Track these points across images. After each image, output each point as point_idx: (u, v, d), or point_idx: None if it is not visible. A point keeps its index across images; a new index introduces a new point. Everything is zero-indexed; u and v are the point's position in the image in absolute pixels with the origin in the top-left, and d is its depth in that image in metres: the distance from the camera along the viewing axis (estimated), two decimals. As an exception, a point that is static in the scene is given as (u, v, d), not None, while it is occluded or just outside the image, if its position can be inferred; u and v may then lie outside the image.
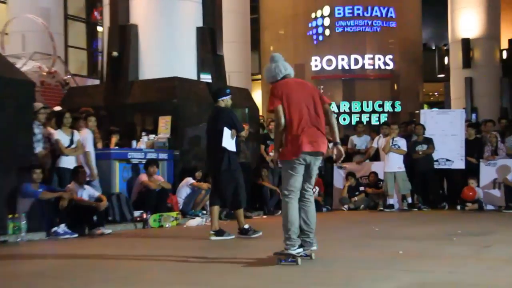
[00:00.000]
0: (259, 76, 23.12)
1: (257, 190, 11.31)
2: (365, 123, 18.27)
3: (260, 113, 17.20)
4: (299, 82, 5.45)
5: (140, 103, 11.20)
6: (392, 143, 11.90)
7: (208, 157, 7.55)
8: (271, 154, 12.20)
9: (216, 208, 7.44)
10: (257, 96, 22.95)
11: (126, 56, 11.38)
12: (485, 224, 8.86)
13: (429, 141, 12.10)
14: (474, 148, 12.28)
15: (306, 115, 5.23)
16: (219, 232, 7.25)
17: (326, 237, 6.61)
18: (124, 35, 11.46)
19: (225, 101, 7.47)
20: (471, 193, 11.44)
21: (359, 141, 13.23)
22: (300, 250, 5.08)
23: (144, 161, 9.93)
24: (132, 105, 11.28)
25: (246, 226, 7.34)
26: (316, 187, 12.31)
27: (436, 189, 12.24)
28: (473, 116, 18.76)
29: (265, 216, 11.09)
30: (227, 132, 7.25)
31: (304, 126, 5.19)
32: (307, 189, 5.29)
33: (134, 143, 10.43)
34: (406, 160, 11.94)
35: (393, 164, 11.85)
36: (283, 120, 5.21)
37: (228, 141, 7.28)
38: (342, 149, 5.51)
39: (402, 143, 11.99)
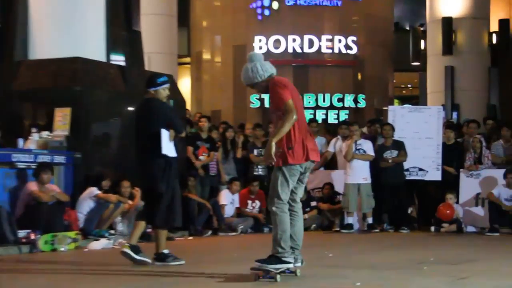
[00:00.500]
0: (187, 59, 23.11)
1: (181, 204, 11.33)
2: (319, 122, 18.57)
3: (188, 106, 17.23)
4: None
5: (29, 90, 11.03)
6: (356, 147, 12.12)
7: (140, 164, 7.50)
8: (202, 158, 12.24)
9: (143, 224, 7.54)
10: (185, 84, 22.95)
11: (11, 30, 11.19)
12: (464, 250, 9.14)
13: (400, 146, 12.39)
14: (454, 155, 12.63)
15: (304, 120, 6.20)
16: (135, 249, 7.30)
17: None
18: (9, 2, 11.26)
19: (159, 92, 7.41)
20: (448, 212, 11.78)
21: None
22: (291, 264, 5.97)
23: (33, 166, 9.78)
24: (19, 92, 11.09)
25: (166, 251, 7.36)
26: (257, 201, 12.43)
27: (406, 207, 12.54)
28: (454, 115, 19.18)
29: (191, 237, 11.10)
30: (165, 134, 7.27)
31: (306, 132, 6.10)
32: (297, 201, 6.12)
33: (20, 141, 10.26)
34: (372, 169, 12.22)
35: (357, 174, 12.06)
36: (296, 116, 5.90)
37: (167, 145, 7.31)
38: (271, 148, 5.86)
39: (367, 146, 12.22)
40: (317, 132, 13.56)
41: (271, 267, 5.92)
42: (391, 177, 12.25)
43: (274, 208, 5.99)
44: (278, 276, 5.91)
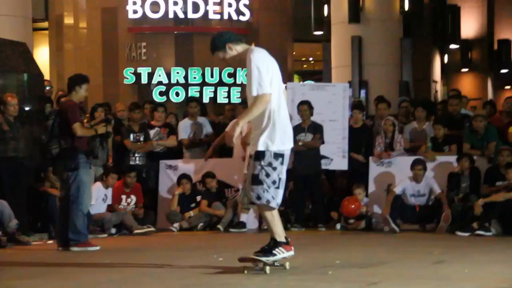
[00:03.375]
0: (45, 24, 22.49)
1: (38, 200, 11.14)
2: (207, 101, 18.58)
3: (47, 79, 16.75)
4: None
5: None
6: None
7: None
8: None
9: None
10: (43, 54, 22.37)
11: None
12: (374, 250, 9.34)
13: (316, 129, 12.48)
14: (362, 140, 12.88)
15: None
16: None
17: (140, 278, 6.58)
18: None
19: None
20: (353, 206, 12.03)
21: (195, 126, 13.49)
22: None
23: None
24: None
25: None
26: (132, 196, 12.31)
27: (322, 201, 12.71)
28: (362, 93, 19.48)
29: (51, 241, 10.88)
30: None
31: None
32: None
33: None
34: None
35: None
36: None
37: None
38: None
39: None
40: (197, 113, 13.56)
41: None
42: (303, 165, 12.34)
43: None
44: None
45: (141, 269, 7.60)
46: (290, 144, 7.04)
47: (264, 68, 6.78)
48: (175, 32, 20.03)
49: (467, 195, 11.75)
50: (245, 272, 6.95)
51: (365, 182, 12.54)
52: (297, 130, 12.41)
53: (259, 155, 6.90)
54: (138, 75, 19.54)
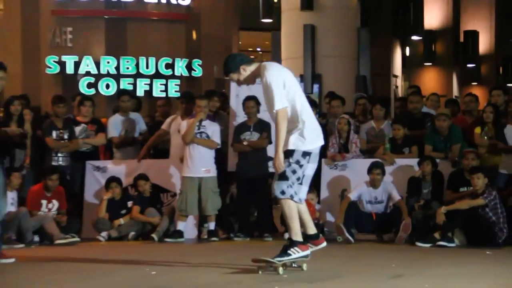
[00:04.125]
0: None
1: None
2: (142, 94, 18.48)
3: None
4: None
5: None
6: (198, 129, 12.14)
7: None
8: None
9: None
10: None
11: None
12: (325, 263, 9.30)
13: (263, 127, 12.44)
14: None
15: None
16: None
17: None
18: None
19: None
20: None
21: (127, 123, 13.41)
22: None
23: None
24: None
25: None
26: (54, 201, 12.22)
27: (269, 208, 12.72)
28: (315, 88, 19.55)
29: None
30: None
31: None
32: None
33: None
34: (220, 158, 12.34)
35: (197, 163, 12.11)
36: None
37: None
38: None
39: (213, 130, 12.28)
40: (129, 108, 13.50)
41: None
42: (247, 167, 12.33)
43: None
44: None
45: (61, 285, 7.51)
46: (320, 142, 8.18)
47: (280, 82, 7.92)
48: (106, 16, 19.94)
49: (429, 202, 11.83)
50: (260, 272, 7.87)
51: (317, 187, 12.56)
52: (242, 128, 12.44)
53: (289, 153, 7.91)
54: (62, 64, 19.40)
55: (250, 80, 8.22)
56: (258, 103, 12.35)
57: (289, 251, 7.85)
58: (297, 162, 7.90)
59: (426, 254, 10.43)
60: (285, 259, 7.84)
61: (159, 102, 14.90)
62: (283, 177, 7.87)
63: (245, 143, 12.32)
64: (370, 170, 11.96)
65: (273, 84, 7.85)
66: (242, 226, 12.48)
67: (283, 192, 7.86)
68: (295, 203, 7.95)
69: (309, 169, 8.08)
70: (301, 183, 8.00)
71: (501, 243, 11.09)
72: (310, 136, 8.00)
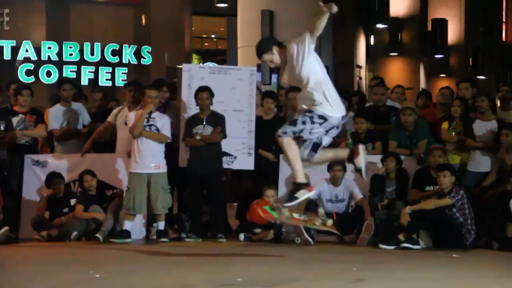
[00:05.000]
0: None
1: None
2: (87, 83, 18.41)
3: None
4: None
5: None
6: (147, 121, 12.14)
7: None
8: None
9: None
10: None
11: None
12: (283, 266, 9.43)
13: (217, 121, 12.44)
14: (272, 135, 12.92)
15: None
16: None
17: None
18: None
19: None
20: (261, 212, 12.06)
21: (69, 114, 13.34)
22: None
23: None
24: None
25: None
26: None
27: (223, 207, 12.78)
28: (274, 78, 19.60)
29: None
30: None
31: None
32: None
33: None
34: (170, 153, 12.36)
35: (146, 159, 12.11)
36: None
37: None
38: None
39: (163, 122, 12.27)
40: (71, 98, 13.44)
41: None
42: (200, 163, 12.32)
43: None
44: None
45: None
46: (341, 113, 8.71)
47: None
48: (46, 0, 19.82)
49: (393, 202, 11.93)
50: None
51: (276, 183, 12.61)
52: (194, 121, 12.44)
53: (307, 110, 8.52)
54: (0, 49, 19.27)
55: (281, 62, 8.95)
56: (211, 95, 12.37)
57: (295, 195, 8.65)
58: (311, 118, 8.44)
59: (390, 257, 10.54)
60: (293, 203, 8.77)
61: (95, 95, 14.69)
62: (292, 122, 8.54)
63: (198, 137, 12.32)
64: (330, 167, 12.02)
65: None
66: (193, 226, 12.49)
67: (284, 133, 8.47)
68: (296, 145, 8.52)
69: (318, 133, 8.54)
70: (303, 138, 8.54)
71: (468, 246, 11.23)
72: (331, 105, 8.51)
